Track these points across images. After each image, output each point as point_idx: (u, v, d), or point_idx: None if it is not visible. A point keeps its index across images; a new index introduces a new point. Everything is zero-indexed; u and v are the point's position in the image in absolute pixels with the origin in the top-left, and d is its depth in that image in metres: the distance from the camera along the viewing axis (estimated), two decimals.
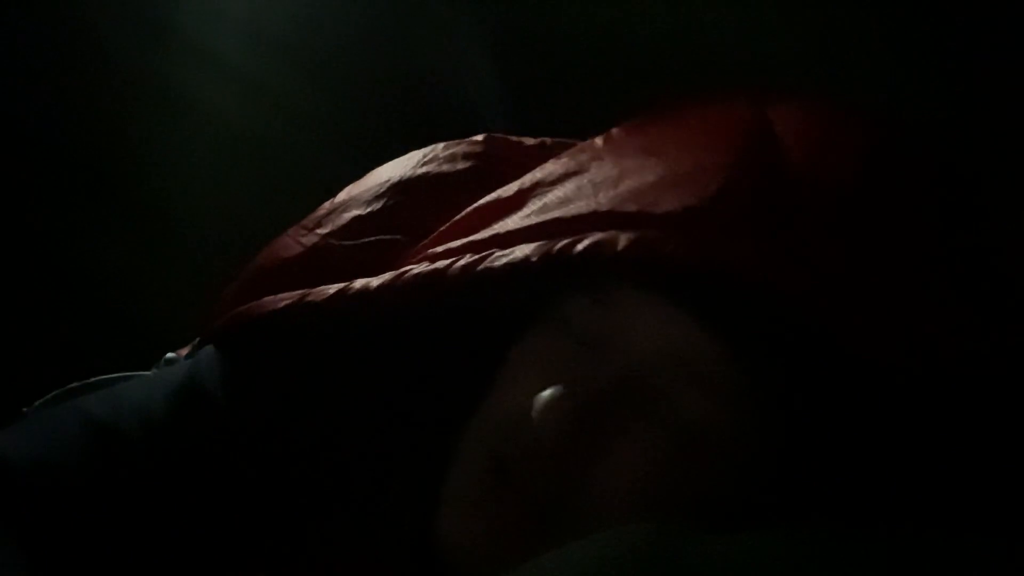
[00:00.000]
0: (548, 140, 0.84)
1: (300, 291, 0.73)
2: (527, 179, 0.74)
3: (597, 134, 0.78)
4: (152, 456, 0.72)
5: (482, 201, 0.75)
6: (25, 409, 0.84)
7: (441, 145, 0.83)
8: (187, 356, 0.87)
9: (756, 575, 0.56)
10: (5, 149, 1.21)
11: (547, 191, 0.72)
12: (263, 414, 0.74)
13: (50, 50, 1.20)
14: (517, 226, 0.70)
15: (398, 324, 0.73)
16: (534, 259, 0.66)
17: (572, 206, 0.69)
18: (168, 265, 1.22)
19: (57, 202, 1.22)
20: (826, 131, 0.70)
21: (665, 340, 0.65)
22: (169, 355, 0.90)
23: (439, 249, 0.72)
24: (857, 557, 0.57)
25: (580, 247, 0.65)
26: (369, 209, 0.80)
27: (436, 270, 0.69)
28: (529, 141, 0.85)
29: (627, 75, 1.08)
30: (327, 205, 0.81)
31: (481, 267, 0.68)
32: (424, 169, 0.82)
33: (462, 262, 0.69)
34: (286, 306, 0.73)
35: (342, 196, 0.82)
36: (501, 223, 0.71)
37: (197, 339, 0.87)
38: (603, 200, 0.68)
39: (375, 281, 0.71)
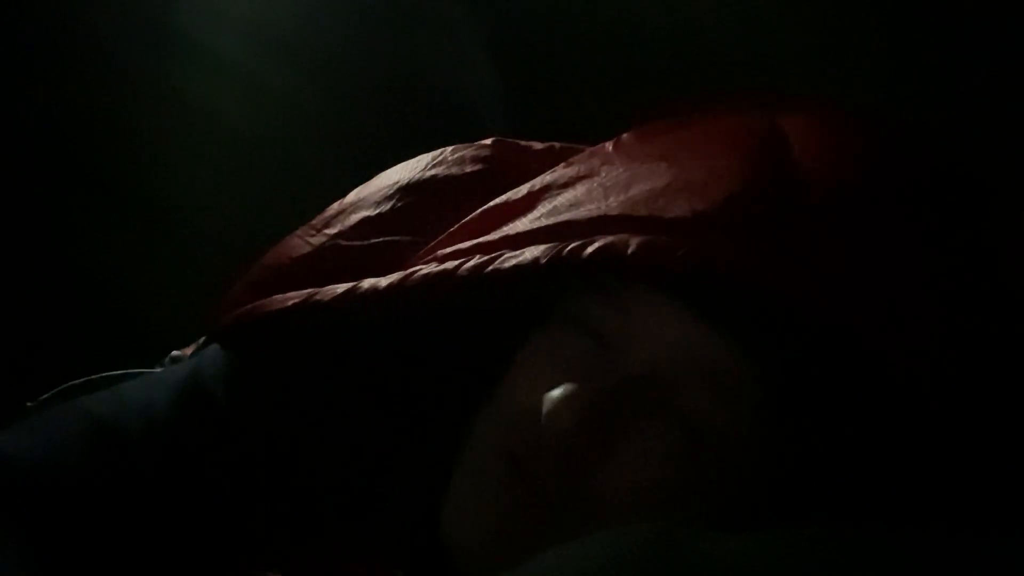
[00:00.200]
0: (557, 144, 0.84)
1: (308, 290, 0.73)
2: (537, 182, 0.74)
3: (597, 134, 0.78)
4: (154, 455, 0.72)
5: (492, 203, 0.75)
6: (29, 404, 0.84)
7: (450, 148, 0.83)
8: (192, 355, 0.87)
9: (758, 575, 0.56)
10: (5, 149, 1.21)
11: (557, 194, 0.72)
12: (267, 413, 0.74)
13: (50, 50, 1.20)
14: (527, 228, 0.70)
15: (406, 325, 0.74)
16: (543, 261, 0.66)
17: (582, 209, 0.69)
18: (168, 264, 1.22)
19: (57, 202, 1.22)
20: (837, 139, 0.71)
21: (675, 341, 0.65)
22: (174, 353, 0.90)
23: (448, 250, 0.72)
24: (858, 557, 0.57)
25: (590, 250, 0.65)
26: (378, 210, 0.80)
27: (445, 271, 0.69)
28: (538, 145, 0.85)
29: (627, 75, 1.08)
30: (336, 206, 0.81)
31: (490, 268, 0.68)
32: (433, 172, 0.82)
33: (471, 263, 0.69)
34: (294, 305, 0.73)
35: (351, 197, 0.82)
36: (511, 225, 0.71)
37: (202, 338, 0.87)
38: (613, 204, 0.68)
39: (384, 281, 0.71)
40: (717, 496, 0.66)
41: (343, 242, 0.79)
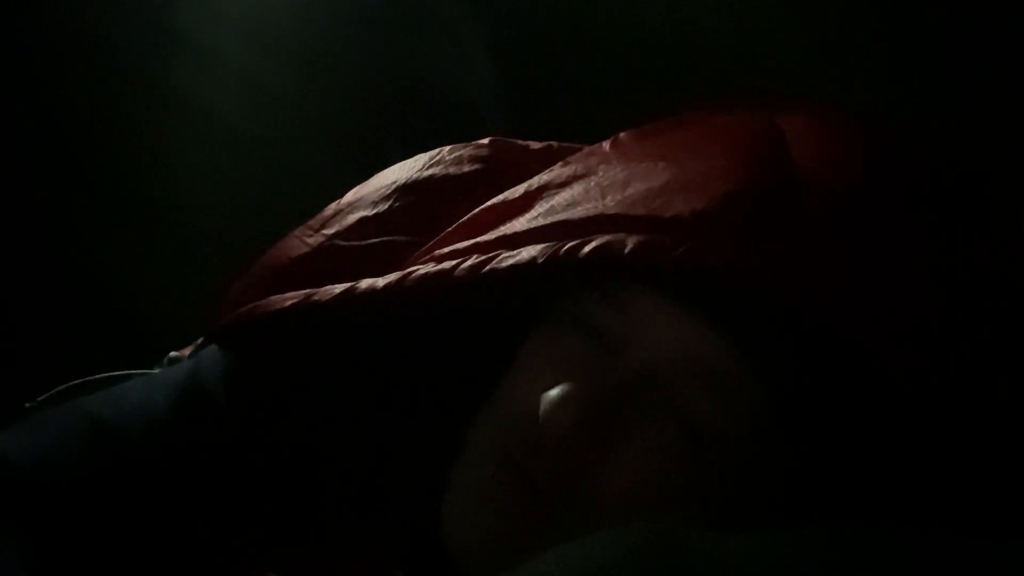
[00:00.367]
0: (555, 144, 0.84)
1: (306, 291, 0.73)
2: (534, 181, 0.74)
3: (596, 134, 0.78)
4: (153, 456, 0.72)
5: (489, 203, 0.75)
6: (28, 404, 0.84)
7: (447, 148, 0.83)
8: (191, 355, 0.87)
9: (758, 575, 0.56)
10: (5, 149, 1.21)
11: (554, 193, 0.72)
12: (266, 413, 0.74)
13: (50, 50, 1.20)
14: (524, 228, 0.70)
15: (403, 324, 0.74)
16: (540, 260, 0.67)
17: (579, 208, 0.69)
18: (167, 264, 1.22)
19: (57, 202, 1.22)
20: (836, 139, 0.71)
21: (674, 341, 0.65)
22: (173, 354, 0.90)
23: (445, 250, 0.72)
24: (858, 557, 0.57)
25: (587, 249, 0.66)
26: (375, 210, 0.80)
27: (442, 270, 0.69)
28: (535, 145, 0.85)
29: (626, 75, 1.08)
30: (333, 206, 0.82)
31: (487, 268, 0.68)
32: (430, 171, 0.82)
33: (468, 263, 0.69)
34: (291, 305, 0.73)
35: (348, 197, 0.82)
36: (508, 225, 0.71)
37: (201, 338, 0.87)
38: (611, 203, 0.68)
39: (381, 281, 0.71)
40: (717, 496, 0.66)
41: (341, 242, 0.79)
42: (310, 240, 0.80)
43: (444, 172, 0.82)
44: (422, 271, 0.70)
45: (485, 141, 0.85)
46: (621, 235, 0.65)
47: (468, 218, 0.75)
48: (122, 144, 1.22)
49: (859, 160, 0.69)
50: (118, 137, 1.21)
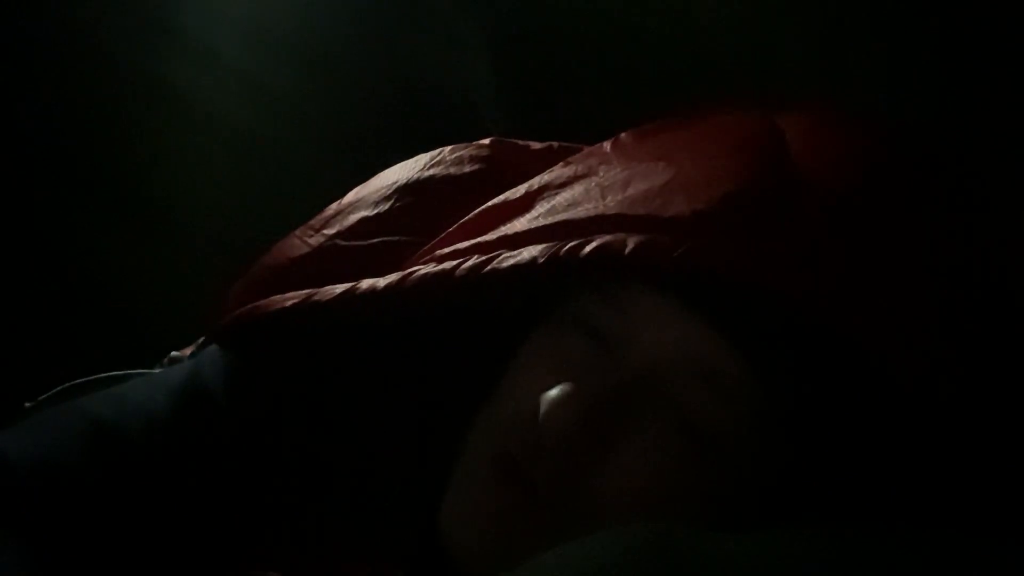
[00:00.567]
0: (555, 144, 0.84)
1: (307, 291, 0.73)
2: (535, 182, 0.74)
3: (596, 134, 0.78)
4: (154, 456, 0.72)
5: (490, 203, 0.75)
6: (28, 404, 0.84)
7: (448, 148, 0.83)
8: (191, 355, 0.87)
9: (758, 575, 0.56)
10: (5, 149, 1.21)
11: (555, 194, 0.72)
12: (267, 413, 0.74)
13: (50, 50, 1.20)
14: (525, 228, 0.70)
15: (404, 325, 0.74)
16: (541, 261, 0.67)
17: (580, 209, 0.69)
18: (168, 264, 1.22)
19: (57, 202, 1.22)
20: (836, 138, 0.71)
21: (674, 341, 0.65)
22: (173, 354, 0.90)
23: (446, 250, 0.72)
24: (858, 557, 0.57)
25: (587, 249, 0.66)
26: (376, 211, 0.80)
27: (443, 271, 0.70)
28: (536, 145, 0.85)
29: (626, 75, 1.08)
30: (334, 206, 0.82)
31: (488, 268, 0.68)
32: (431, 172, 0.82)
33: (469, 263, 0.69)
34: (292, 305, 0.73)
35: (349, 197, 0.82)
36: (509, 225, 0.71)
37: (201, 338, 0.87)
38: (611, 203, 0.68)
39: (382, 281, 0.71)
40: (717, 496, 0.66)
41: (341, 242, 0.79)
42: (311, 240, 0.80)
43: (445, 172, 0.82)
44: (423, 271, 0.70)
45: (486, 141, 0.85)
46: (621, 235, 0.65)
47: (469, 218, 0.75)
48: (122, 144, 1.22)
49: (859, 160, 0.70)
50: (118, 137, 1.21)
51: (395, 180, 0.82)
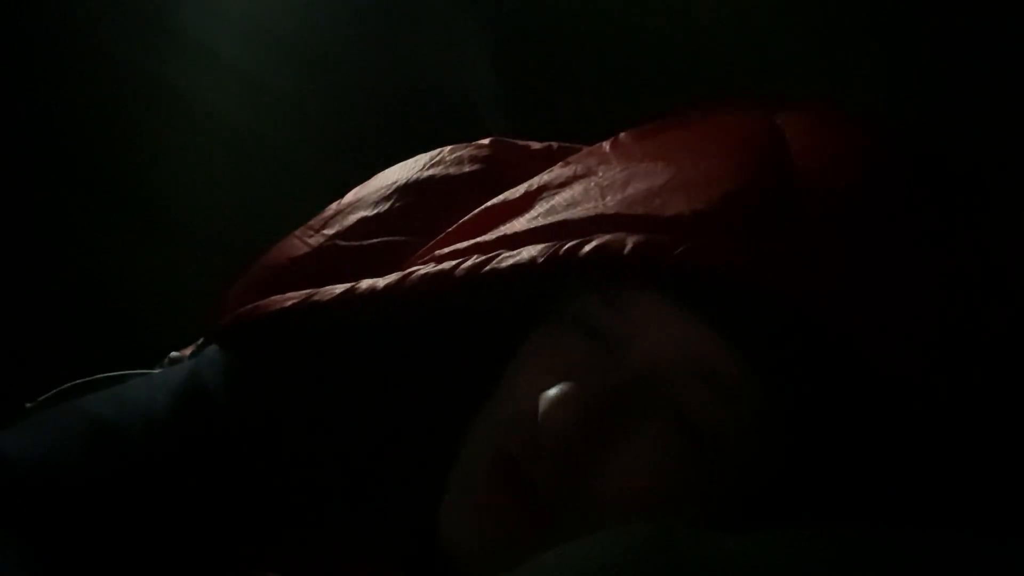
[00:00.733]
0: (555, 144, 0.84)
1: (306, 291, 0.73)
2: (534, 182, 0.74)
3: (597, 134, 0.78)
4: (154, 456, 0.72)
5: (489, 203, 0.75)
6: (28, 404, 0.84)
7: (447, 148, 0.83)
8: (191, 355, 0.87)
9: (758, 575, 0.56)
10: (5, 149, 1.21)
11: (554, 194, 0.72)
12: (267, 413, 0.74)
13: (50, 50, 1.20)
14: (524, 228, 0.70)
15: (404, 325, 0.74)
16: (540, 261, 0.67)
17: (579, 208, 0.69)
18: (168, 264, 1.22)
19: (57, 202, 1.22)
20: (835, 138, 0.71)
21: (674, 341, 0.65)
22: (173, 354, 0.90)
23: (446, 250, 0.72)
24: (858, 557, 0.57)
25: (587, 249, 0.66)
26: (376, 211, 0.80)
27: (443, 271, 0.70)
28: (535, 145, 0.85)
29: (626, 75, 1.08)
30: (334, 206, 0.82)
31: (487, 268, 0.68)
32: (431, 172, 0.82)
33: (469, 263, 0.69)
34: (292, 305, 0.73)
35: (349, 198, 0.82)
36: (508, 225, 0.72)
37: (201, 338, 0.87)
38: (610, 203, 0.68)
39: (382, 281, 0.71)
40: (717, 496, 0.66)
41: (341, 242, 0.79)
42: (311, 240, 0.80)
43: (444, 172, 0.82)
44: (423, 271, 0.70)
45: (485, 141, 0.85)
46: (621, 235, 0.65)
47: (468, 218, 0.75)
48: (122, 144, 1.22)
49: (859, 160, 0.70)
50: (118, 137, 1.22)
51: (395, 180, 0.82)
